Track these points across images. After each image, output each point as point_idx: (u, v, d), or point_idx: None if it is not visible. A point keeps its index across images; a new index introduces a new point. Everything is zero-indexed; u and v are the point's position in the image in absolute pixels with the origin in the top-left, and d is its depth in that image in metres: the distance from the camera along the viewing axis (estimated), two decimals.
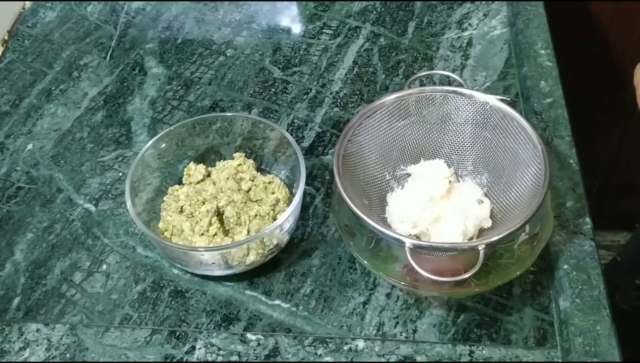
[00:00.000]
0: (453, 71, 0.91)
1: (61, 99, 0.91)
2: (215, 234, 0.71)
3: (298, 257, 0.74)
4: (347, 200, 0.64)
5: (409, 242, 0.61)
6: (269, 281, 0.72)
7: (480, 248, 0.60)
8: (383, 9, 1.01)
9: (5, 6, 1.02)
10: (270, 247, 0.70)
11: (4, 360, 0.67)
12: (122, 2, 1.04)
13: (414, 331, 0.68)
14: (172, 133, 0.77)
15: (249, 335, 0.68)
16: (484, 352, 0.66)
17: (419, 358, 0.66)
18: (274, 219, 0.73)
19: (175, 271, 0.73)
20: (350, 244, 0.69)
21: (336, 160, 0.68)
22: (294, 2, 1.03)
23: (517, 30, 0.95)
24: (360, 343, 0.67)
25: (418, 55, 0.94)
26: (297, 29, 1.00)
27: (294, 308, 0.70)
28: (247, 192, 0.76)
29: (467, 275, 0.60)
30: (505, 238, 0.62)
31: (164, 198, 0.76)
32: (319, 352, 0.67)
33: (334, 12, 1.01)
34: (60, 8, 1.04)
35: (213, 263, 0.69)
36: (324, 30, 0.99)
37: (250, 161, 0.78)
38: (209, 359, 0.67)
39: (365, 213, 0.64)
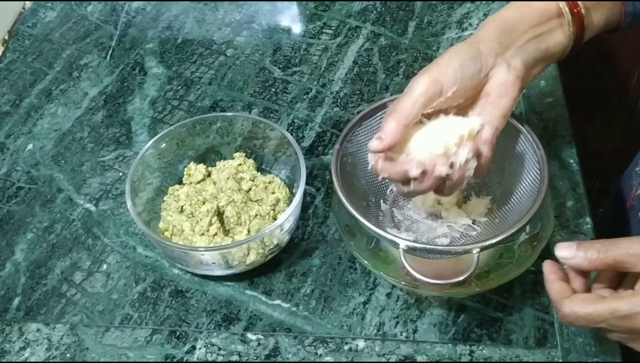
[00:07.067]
0: None
1: (61, 98, 0.91)
2: (216, 234, 0.71)
3: (298, 256, 0.74)
4: (345, 201, 0.64)
5: (403, 244, 0.61)
6: (269, 281, 0.72)
7: (474, 251, 0.60)
8: (383, 9, 1.01)
9: (5, 6, 1.02)
10: (271, 247, 0.71)
11: (4, 360, 0.67)
12: (122, 2, 1.04)
13: (414, 331, 0.68)
14: (173, 133, 0.77)
15: (249, 335, 0.68)
16: (484, 351, 0.66)
17: (419, 358, 0.66)
18: (274, 219, 0.73)
19: (176, 271, 0.73)
20: (351, 244, 0.69)
21: (335, 161, 0.68)
22: (294, 2, 1.03)
23: None
24: (361, 343, 0.67)
25: (418, 55, 0.94)
26: (297, 28, 1.00)
27: (294, 308, 0.70)
28: (247, 191, 0.76)
29: (461, 278, 0.60)
30: (502, 242, 0.61)
31: (164, 198, 0.76)
32: (319, 351, 0.67)
33: (334, 11, 1.01)
34: (61, 8, 1.04)
35: (213, 263, 0.69)
36: (324, 30, 0.99)
37: (251, 161, 0.78)
38: (209, 359, 0.67)
39: (363, 215, 0.64)
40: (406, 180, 0.61)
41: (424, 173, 0.60)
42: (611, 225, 0.83)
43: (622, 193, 0.83)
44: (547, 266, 0.58)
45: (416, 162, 0.60)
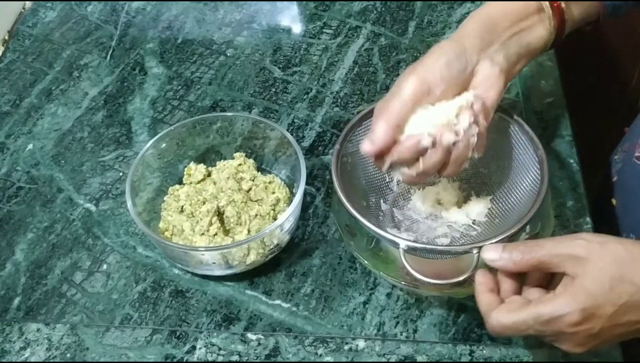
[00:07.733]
0: None
1: (61, 98, 0.91)
2: (216, 234, 0.71)
3: (298, 256, 0.74)
4: (345, 201, 0.64)
5: (403, 244, 0.61)
6: (269, 281, 0.72)
7: (474, 251, 0.60)
8: (383, 9, 1.01)
9: (6, 6, 1.02)
10: (271, 247, 0.71)
11: (4, 360, 0.67)
12: (123, 2, 1.04)
13: (415, 331, 0.68)
14: (173, 133, 0.77)
15: (250, 335, 0.68)
16: (484, 351, 0.66)
17: (419, 358, 0.66)
18: (275, 219, 0.73)
19: (176, 271, 0.73)
20: (351, 244, 0.69)
21: (335, 161, 0.68)
22: (294, 2, 1.03)
23: None
24: (361, 343, 0.67)
25: (418, 55, 0.94)
26: (297, 28, 1.00)
27: (294, 308, 0.70)
28: (248, 191, 0.76)
29: (461, 278, 0.60)
30: (502, 242, 0.61)
31: (165, 198, 0.76)
32: (320, 351, 0.67)
33: (334, 11, 1.01)
34: (61, 8, 1.04)
35: (213, 263, 0.69)
36: (324, 30, 0.99)
37: (251, 161, 0.78)
38: (210, 359, 0.67)
39: (363, 215, 0.64)
40: (415, 159, 0.61)
41: (433, 143, 0.60)
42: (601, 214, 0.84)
43: (607, 181, 0.84)
44: (479, 276, 0.58)
45: (424, 134, 0.61)
